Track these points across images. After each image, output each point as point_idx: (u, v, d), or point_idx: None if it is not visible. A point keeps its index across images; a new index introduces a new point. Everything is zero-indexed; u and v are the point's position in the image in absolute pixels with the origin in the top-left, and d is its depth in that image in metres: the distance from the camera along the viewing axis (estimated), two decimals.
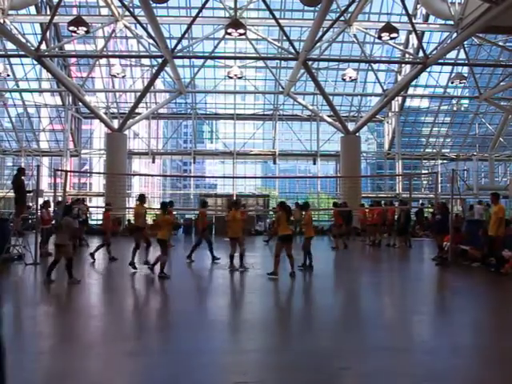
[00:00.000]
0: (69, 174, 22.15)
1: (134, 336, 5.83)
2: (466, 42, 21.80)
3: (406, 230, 16.52)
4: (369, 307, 7.73)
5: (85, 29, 16.62)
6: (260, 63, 26.60)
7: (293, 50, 19.07)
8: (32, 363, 4.82)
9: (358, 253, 16.15)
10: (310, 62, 20.53)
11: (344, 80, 22.83)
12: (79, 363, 4.81)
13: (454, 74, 24.44)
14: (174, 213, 19.01)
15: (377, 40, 22.13)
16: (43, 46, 19.85)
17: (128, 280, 10.01)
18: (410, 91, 27.79)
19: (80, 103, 26.17)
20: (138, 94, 23.02)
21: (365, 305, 8.03)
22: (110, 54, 25.37)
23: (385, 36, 17.25)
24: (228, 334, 6.18)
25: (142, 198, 12.61)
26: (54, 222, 13.73)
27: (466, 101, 30.19)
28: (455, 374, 4.67)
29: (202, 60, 24.92)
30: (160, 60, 20.28)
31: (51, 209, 14.22)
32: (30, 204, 13.56)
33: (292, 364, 4.86)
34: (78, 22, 16.51)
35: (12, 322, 6.74)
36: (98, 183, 32.69)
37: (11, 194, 13.48)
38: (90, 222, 22.22)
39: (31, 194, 13.19)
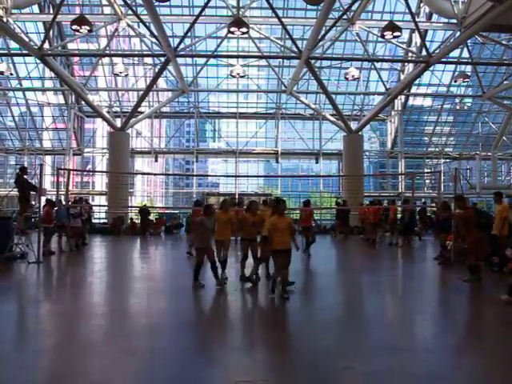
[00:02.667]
0: (71, 172, 22.25)
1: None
2: (469, 41, 21.76)
3: (411, 229, 16.46)
4: (370, 306, 7.72)
5: (88, 28, 16.63)
6: (263, 62, 26.58)
7: (295, 49, 19.04)
8: (35, 361, 4.84)
9: (359, 252, 16.13)
10: (312, 61, 20.49)
11: (347, 79, 22.83)
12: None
13: (457, 73, 24.38)
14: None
15: (380, 39, 22.07)
16: (46, 45, 19.87)
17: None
18: (413, 90, 27.71)
19: (83, 102, 26.24)
20: (141, 92, 23.04)
21: (366, 304, 8.02)
22: (112, 52, 25.41)
23: (388, 35, 17.20)
24: (230, 332, 6.18)
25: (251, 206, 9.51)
26: (55, 221, 13.78)
27: (469, 99, 30.12)
28: (458, 374, 4.65)
29: (205, 59, 24.91)
30: (163, 59, 20.28)
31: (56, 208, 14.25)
32: (33, 202, 13.56)
33: (294, 363, 4.86)
34: (80, 20, 16.52)
35: (14, 320, 6.77)
36: (100, 182, 32.77)
37: (14, 193, 13.53)
38: (93, 221, 22.28)
39: (35, 193, 13.19)
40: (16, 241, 12.13)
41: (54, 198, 15.01)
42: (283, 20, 19.11)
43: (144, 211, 22.06)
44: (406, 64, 25.88)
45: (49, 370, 4.71)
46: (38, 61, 20.60)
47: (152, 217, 23.07)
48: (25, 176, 13.02)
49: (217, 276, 8.63)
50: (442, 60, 20.55)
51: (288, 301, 7.41)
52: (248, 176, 31.52)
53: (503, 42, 23.03)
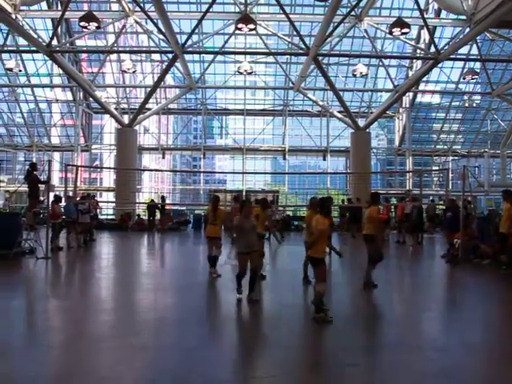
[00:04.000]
0: (79, 168, 22.37)
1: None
2: (478, 38, 21.55)
3: (420, 226, 16.34)
4: (378, 304, 7.71)
5: (96, 24, 16.66)
6: (270, 58, 26.54)
7: (303, 46, 18.98)
8: (44, 356, 4.89)
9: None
10: (320, 58, 20.41)
11: (354, 75, 22.75)
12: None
13: (466, 70, 24.17)
14: None
15: (388, 35, 21.93)
16: (54, 42, 19.93)
17: None
18: (421, 87, 27.57)
19: (91, 98, 26.35)
20: (149, 89, 23.08)
21: (374, 301, 8.00)
22: (120, 49, 25.51)
23: (396, 31, 17.07)
24: (238, 330, 6.21)
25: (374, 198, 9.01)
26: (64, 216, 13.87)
27: (478, 97, 29.88)
28: (465, 371, 4.65)
29: (212, 55, 24.92)
30: (170, 55, 20.31)
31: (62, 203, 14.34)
32: (42, 198, 13.65)
33: (301, 360, 4.87)
34: (88, 17, 16.56)
35: (23, 315, 6.84)
36: (108, 178, 32.90)
37: (23, 189, 13.62)
38: (101, 217, 22.35)
39: (44, 187, 13.23)
40: (25, 236, 12.23)
41: (62, 194, 15.12)
42: (291, 16, 19.07)
43: (152, 207, 22.08)
44: (414, 61, 25.74)
45: (58, 365, 4.76)
46: (47, 57, 20.73)
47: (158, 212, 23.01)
48: (35, 172, 13.10)
49: (252, 288, 7.30)
50: (451, 57, 20.42)
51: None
52: (255, 173, 31.49)
53: None
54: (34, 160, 26.12)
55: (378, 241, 8.47)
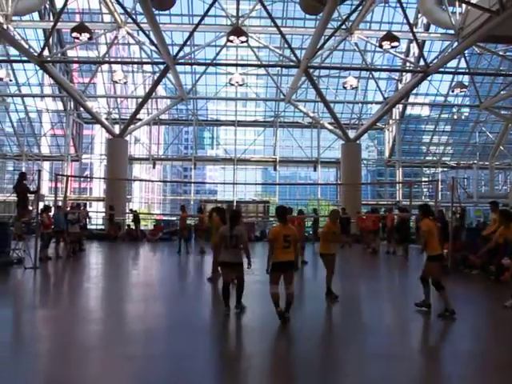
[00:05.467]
0: (69, 178, 22.23)
1: None
2: (466, 51, 21.92)
3: (407, 237, 16.43)
4: (367, 314, 7.72)
5: (88, 35, 16.74)
6: (261, 70, 26.75)
7: (294, 58, 19.17)
8: (31, 366, 4.83)
9: (357, 260, 16.12)
10: (311, 70, 20.63)
11: (345, 88, 22.92)
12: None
13: (454, 83, 24.54)
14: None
15: (378, 48, 22.25)
16: (46, 52, 19.97)
17: None
18: (411, 99, 27.91)
19: (81, 108, 26.32)
20: (140, 99, 23.12)
21: (363, 311, 8.01)
22: (112, 60, 25.52)
23: (386, 44, 17.32)
24: (225, 340, 6.19)
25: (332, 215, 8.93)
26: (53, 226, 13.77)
27: (467, 109, 30.32)
28: (454, 381, 4.67)
29: (204, 67, 25.04)
30: (162, 66, 20.39)
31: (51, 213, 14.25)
32: (31, 208, 13.55)
33: (290, 371, 4.86)
34: (80, 28, 16.63)
35: (10, 326, 6.75)
36: (98, 188, 32.76)
37: (12, 198, 13.52)
38: (90, 227, 22.12)
39: (33, 196, 13.14)
40: (13, 246, 12.11)
41: (51, 204, 15.02)
42: (282, 29, 19.26)
43: (135, 217, 22.24)
44: (403, 74, 26.06)
45: (45, 375, 4.69)
46: (38, 67, 20.69)
47: (145, 223, 23.03)
48: (24, 181, 13.01)
49: (239, 299, 7.20)
50: (440, 70, 20.71)
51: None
52: (246, 183, 31.55)
53: (500, 53, 23.27)
54: (24, 169, 25.96)
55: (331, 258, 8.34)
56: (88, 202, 28.86)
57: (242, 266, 7.09)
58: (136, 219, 22.36)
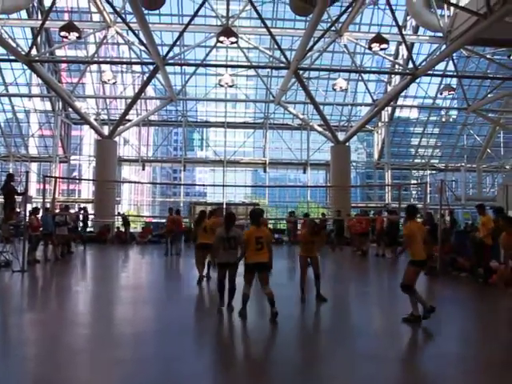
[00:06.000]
0: (58, 180, 22.00)
1: None
2: (454, 54, 22.11)
3: (395, 240, 16.49)
4: (355, 316, 7.72)
5: (76, 34, 16.58)
6: (251, 72, 26.72)
7: (284, 59, 19.16)
8: (18, 370, 4.75)
9: (348, 263, 16.16)
10: (300, 72, 20.66)
11: (334, 90, 23.00)
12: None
13: (442, 86, 24.73)
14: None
15: (367, 50, 22.32)
16: (34, 51, 19.73)
17: None
18: (400, 102, 28.04)
19: (70, 109, 26.08)
20: (129, 100, 22.94)
21: (351, 314, 8.02)
22: (101, 60, 25.34)
23: (375, 47, 17.43)
24: (214, 342, 6.15)
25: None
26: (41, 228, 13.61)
27: (455, 112, 30.57)
28: (441, 383, 4.68)
29: (194, 67, 24.96)
30: (151, 67, 20.27)
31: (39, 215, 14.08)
32: (18, 210, 13.37)
33: (278, 372, 4.83)
34: (69, 27, 16.48)
35: None
36: (87, 190, 32.49)
37: None
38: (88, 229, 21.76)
39: (21, 198, 12.97)
40: (0, 249, 11.94)
41: (39, 206, 14.84)
42: (272, 30, 19.24)
43: (124, 220, 22.16)
44: (392, 76, 26.22)
45: (32, 379, 4.62)
46: (25, 67, 20.43)
47: (134, 226, 22.92)
48: (11, 183, 12.82)
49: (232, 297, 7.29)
50: (428, 72, 20.82)
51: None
52: (236, 185, 31.49)
53: (487, 56, 23.47)
54: (11, 171, 25.64)
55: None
56: (76, 204, 28.56)
57: (234, 266, 7.17)
58: (125, 222, 22.23)
